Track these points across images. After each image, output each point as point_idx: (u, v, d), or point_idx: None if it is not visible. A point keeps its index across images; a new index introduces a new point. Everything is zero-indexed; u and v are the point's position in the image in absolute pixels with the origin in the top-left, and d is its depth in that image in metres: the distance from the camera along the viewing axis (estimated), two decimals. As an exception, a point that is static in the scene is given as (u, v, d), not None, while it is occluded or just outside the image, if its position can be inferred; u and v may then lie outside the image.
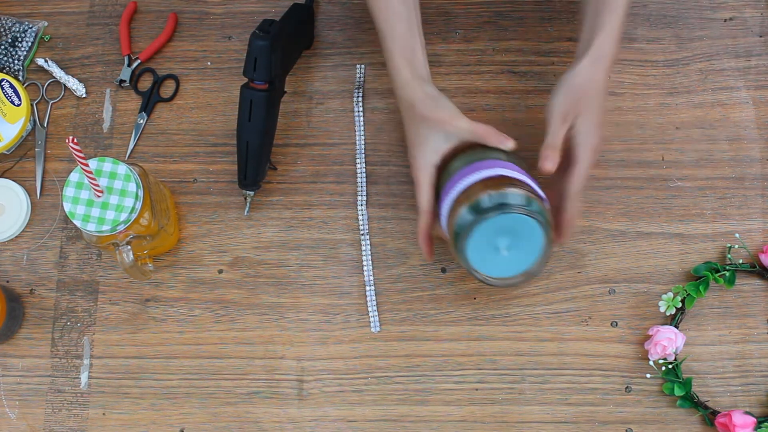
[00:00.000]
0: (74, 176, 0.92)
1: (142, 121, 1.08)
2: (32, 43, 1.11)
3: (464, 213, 0.86)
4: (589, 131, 0.91)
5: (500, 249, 0.86)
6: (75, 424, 1.00)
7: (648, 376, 0.99)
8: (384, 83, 1.08)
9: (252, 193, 1.02)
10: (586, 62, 0.91)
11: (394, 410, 0.99)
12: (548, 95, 1.07)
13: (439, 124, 0.92)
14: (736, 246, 1.01)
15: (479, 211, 0.85)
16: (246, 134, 0.98)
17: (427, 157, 0.92)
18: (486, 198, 0.85)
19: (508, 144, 0.92)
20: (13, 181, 1.07)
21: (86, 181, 0.91)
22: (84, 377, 1.01)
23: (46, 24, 1.12)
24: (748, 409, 0.97)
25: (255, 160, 0.99)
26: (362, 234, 1.03)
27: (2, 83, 1.07)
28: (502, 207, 0.84)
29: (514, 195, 0.85)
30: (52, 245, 1.05)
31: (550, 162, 0.90)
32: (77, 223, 0.91)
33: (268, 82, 0.97)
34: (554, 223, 0.90)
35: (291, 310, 1.02)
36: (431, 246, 0.95)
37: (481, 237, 0.85)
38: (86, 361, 1.01)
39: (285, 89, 1.03)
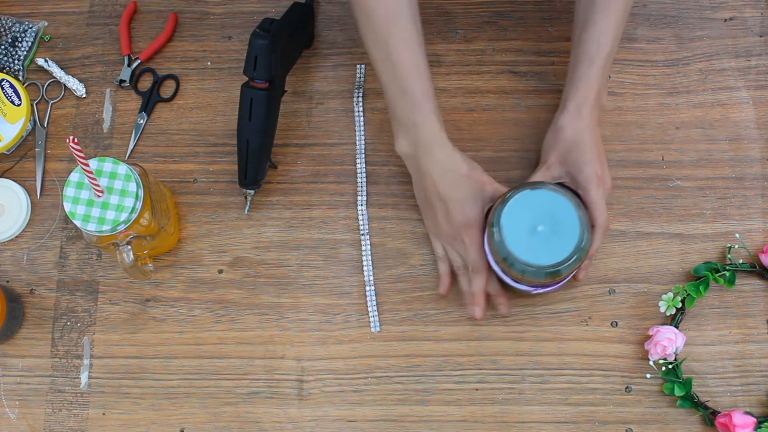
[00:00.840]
0: (74, 176, 0.92)
1: (142, 121, 1.08)
2: (32, 43, 1.11)
3: (498, 206, 0.88)
4: (591, 179, 0.93)
5: (537, 229, 0.87)
6: (75, 424, 1.00)
7: (648, 376, 0.98)
8: (384, 83, 1.08)
9: (252, 192, 1.02)
10: (570, 113, 0.94)
11: (394, 410, 0.99)
12: (548, 95, 1.07)
13: (479, 184, 0.94)
14: (736, 246, 1.01)
15: (510, 193, 0.88)
16: (246, 133, 0.98)
17: (477, 211, 0.94)
18: (516, 187, 0.89)
19: None
20: (13, 181, 1.07)
21: (86, 181, 0.91)
22: (84, 377, 1.01)
23: (46, 24, 1.12)
24: (748, 409, 0.97)
25: (255, 159, 0.99)
26: (362, 234, 1.03)
27: (2, 83, 1.07)
28: (532, 184, 0.88)
29: (546, 182, 0.88)
30: (52, 245, 1.05)
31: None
32: (77, 223, 0.91)
33: (269, 81, 0.97)
34: None
35: (291, 310, 1.02)
36: (487, 304, 0.97)
37: (517, 217, 0.87)
38: (86, 361, 1.01)
39: (285, 89, 1.03)
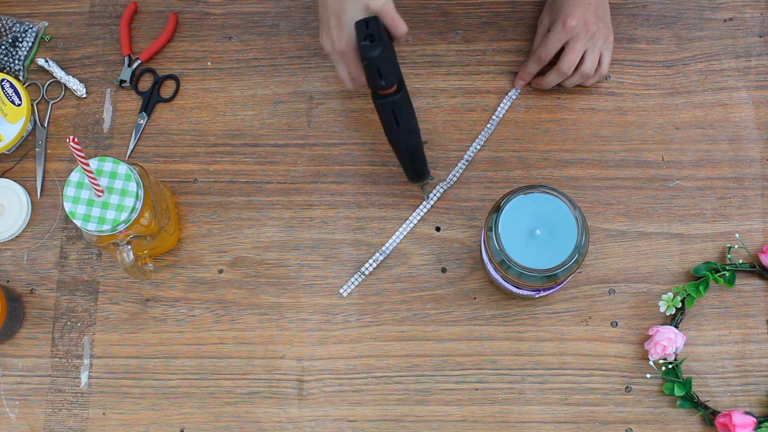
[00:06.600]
0: (75, 176, 0.92)
1: (142, 122, 1.08)
2: (33, 43, 1.11)
3: (494, 212, 0.88)
4: (558, 21, 0.99)
5: (534, 233, 0.88)
6: (75, 424, 1.00)
7: (648, 376, 0.98)
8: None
9: (427, 180, 1.01)
10: None
11: (394, 410, 0.99)
12: (548, 95, 1.08)
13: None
14: (736, 246, 1.01)
15: (505, 199, 0.89)
16: (402, 139, 0.95)
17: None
18: (511, 192, 0.89)
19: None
20: (14, 181, 1.07)
21: (87, 180, 0.91)
22: (84, 377, 1.01)
23: (46, 24, 1.12)
24: (748, 409, 0.97)
25: (419, 156, 0.98)
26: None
27: (3, 83, 1.07)
28: (525, 189, 0.88)
29: (539, 185, 0.89)
30: (53, 245, 1.05)
31: (522, 82, 1.06)
32: (78, 222, 0.91)
33: (397, 83, 0.92)
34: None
35: (291, 310, 1.02)
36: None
37: (514, 222, 0.87)
38: (86, 361, 1.01)
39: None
